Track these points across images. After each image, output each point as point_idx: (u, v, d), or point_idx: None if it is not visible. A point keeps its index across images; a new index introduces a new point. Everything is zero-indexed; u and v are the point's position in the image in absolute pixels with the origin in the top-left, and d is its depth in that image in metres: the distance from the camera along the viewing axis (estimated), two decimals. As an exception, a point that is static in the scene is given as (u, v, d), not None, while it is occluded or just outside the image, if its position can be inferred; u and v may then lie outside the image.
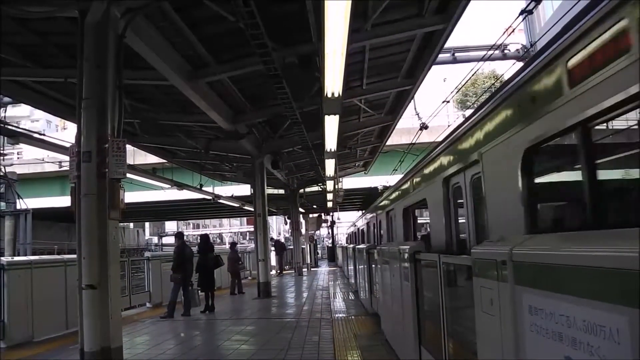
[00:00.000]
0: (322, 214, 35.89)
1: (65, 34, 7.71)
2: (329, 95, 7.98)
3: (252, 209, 17.27)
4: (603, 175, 2.48)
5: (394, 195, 9.14)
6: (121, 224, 8.19)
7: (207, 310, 12.37)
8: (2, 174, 22.10)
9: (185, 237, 13.43)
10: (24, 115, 54.99)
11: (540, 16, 23.19)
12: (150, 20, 7.55)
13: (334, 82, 7.59)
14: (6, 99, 20.50)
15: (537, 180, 3.01)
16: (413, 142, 16.47)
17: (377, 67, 11.34)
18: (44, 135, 12.84)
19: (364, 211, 21.81)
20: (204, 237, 14.08)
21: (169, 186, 18.85)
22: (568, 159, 2.84)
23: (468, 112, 18.25)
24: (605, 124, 2.33)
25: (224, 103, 11.68)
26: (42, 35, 8.10)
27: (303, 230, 32.51)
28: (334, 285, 19.49)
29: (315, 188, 27.46)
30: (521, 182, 3.01)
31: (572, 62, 2.42)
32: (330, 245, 45.87)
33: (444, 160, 4.99)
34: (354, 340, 8.16)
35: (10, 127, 12.15)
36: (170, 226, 74.53)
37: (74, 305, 6.26)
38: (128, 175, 6.25)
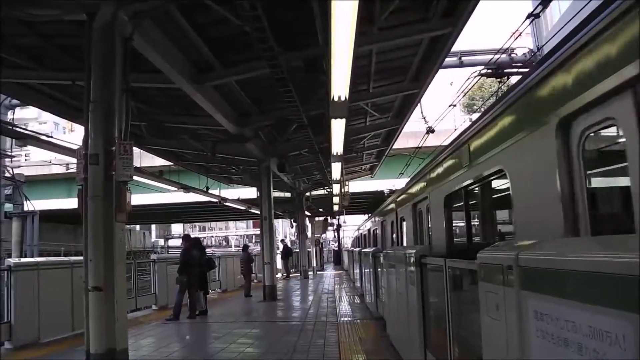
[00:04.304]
0: (328, 218, 35.88)
1: (73, 37, 7.76)
2: (336, 98, 7.98)
3: (258, 212, 17.31)
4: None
5: (390, 206, 9.82)
6: (127, 226, 8.23)
7: (201, 313, 12.24)
8: (9, 175, 22.21)
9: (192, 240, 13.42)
10: (32, 118, 55.18)
11: (548, 19, 23.08)
12: (157, 24, 7.58)
13: (340, 86, 7.59)
14: (14, 102, 20.61)
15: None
16: (419, 145, 16.43)
17: (383, 70, 11.34)
18: (51, 137, 12.90)
19: (369, 215, 21.81)
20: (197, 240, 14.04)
21: (176, 189, 18.90)
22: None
23: (475, 116, 18.16)
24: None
25: (230, 106, 11.71)
26: (49, 38, 8.16)
27: (309, 234, 32.51)
28: (339, 288, 19.47)
29: (321, 191, 27.45)
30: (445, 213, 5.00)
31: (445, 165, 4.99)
32: (336, 248, 45.82)
33: (413, 193, 6.74)
34: (359, 344, 8.15)
35: (18, 129, 12.23)
36: (177, 229, 74.69)
37: (80, 307, 6.28)
38: (135, 177, 6.29)
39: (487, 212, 4.68)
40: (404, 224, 8.22)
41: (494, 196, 4.31)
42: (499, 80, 7.86)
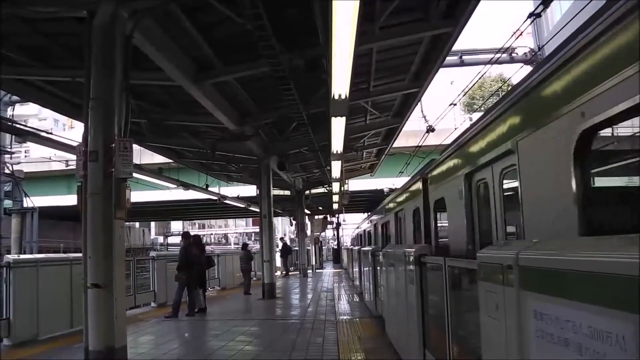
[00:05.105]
0: (328, 216, 35.88)
1: (73, 35, 7.73)
2: (336, 97, 7.97)
3: (258, 210, 17.31)
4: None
5: (413, 187, 9.11)
6: (127, 223, 8.22)
7: (200, 311, 12.25)
8: (9, 172, 22.22)
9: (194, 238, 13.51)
10: (32, 114, 55.14)
11: (549, 19, 23.06)
12: (158, 22, 7.56)
13: (340, 84, 7.58)
14: (14, 98, 20.60)
15: None
16: (420, 144, 16.44)
17: (384, 69, 11.33)
18: (51, 134, 12.88)
19: (369, 213, 21.82)
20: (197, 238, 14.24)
21: (175, 186, 18.92)
22: None
23: (475, 115, 18.17)
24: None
25: (231, 104, 11.70)
26: (50, 36, 8.13)
27: (308, 232, 32.51)
28: (338, 287, 19.48)
29: (321, 190, 27.43)
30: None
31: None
32: (336, 247, 45.86)
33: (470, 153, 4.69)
34: (358, 343, 8.15)
35: (18, 125, 12.22)
36: (176, 226, 74.64)
37: (79, 304, 6.27)
38: (134, 175, 6.28)
39: None
40: (447, 210, 5.40)
41: None
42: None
